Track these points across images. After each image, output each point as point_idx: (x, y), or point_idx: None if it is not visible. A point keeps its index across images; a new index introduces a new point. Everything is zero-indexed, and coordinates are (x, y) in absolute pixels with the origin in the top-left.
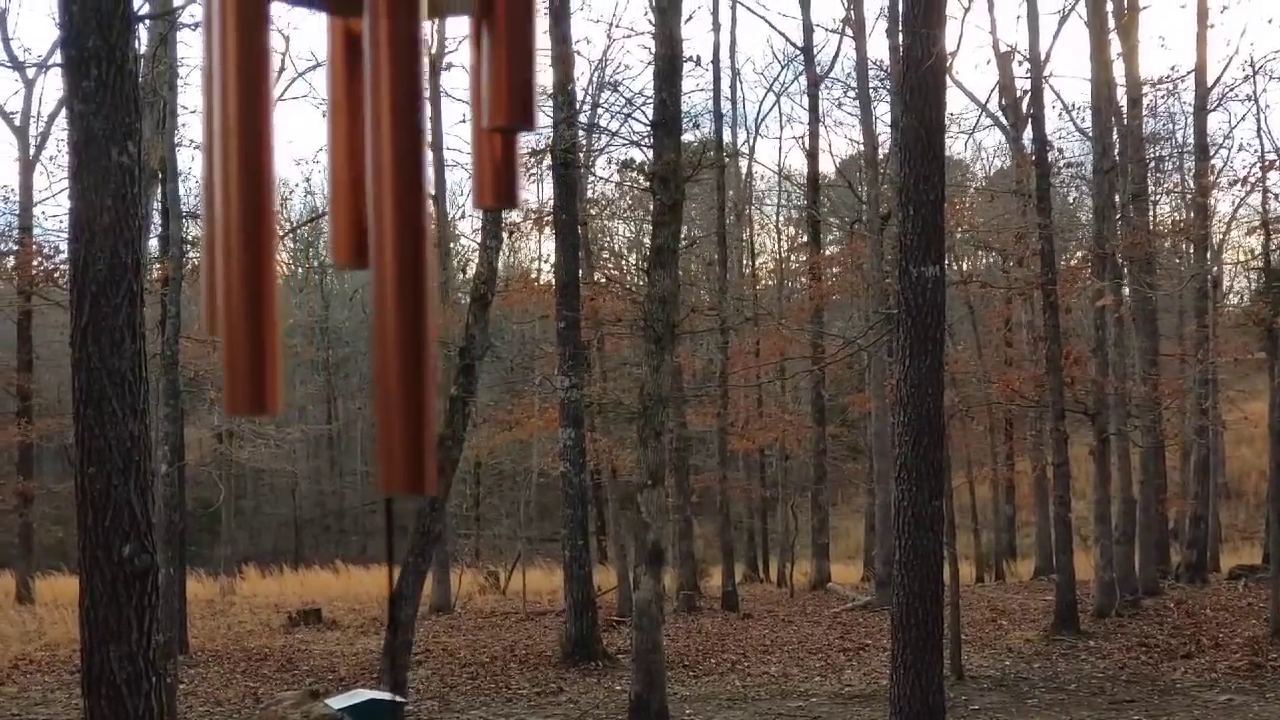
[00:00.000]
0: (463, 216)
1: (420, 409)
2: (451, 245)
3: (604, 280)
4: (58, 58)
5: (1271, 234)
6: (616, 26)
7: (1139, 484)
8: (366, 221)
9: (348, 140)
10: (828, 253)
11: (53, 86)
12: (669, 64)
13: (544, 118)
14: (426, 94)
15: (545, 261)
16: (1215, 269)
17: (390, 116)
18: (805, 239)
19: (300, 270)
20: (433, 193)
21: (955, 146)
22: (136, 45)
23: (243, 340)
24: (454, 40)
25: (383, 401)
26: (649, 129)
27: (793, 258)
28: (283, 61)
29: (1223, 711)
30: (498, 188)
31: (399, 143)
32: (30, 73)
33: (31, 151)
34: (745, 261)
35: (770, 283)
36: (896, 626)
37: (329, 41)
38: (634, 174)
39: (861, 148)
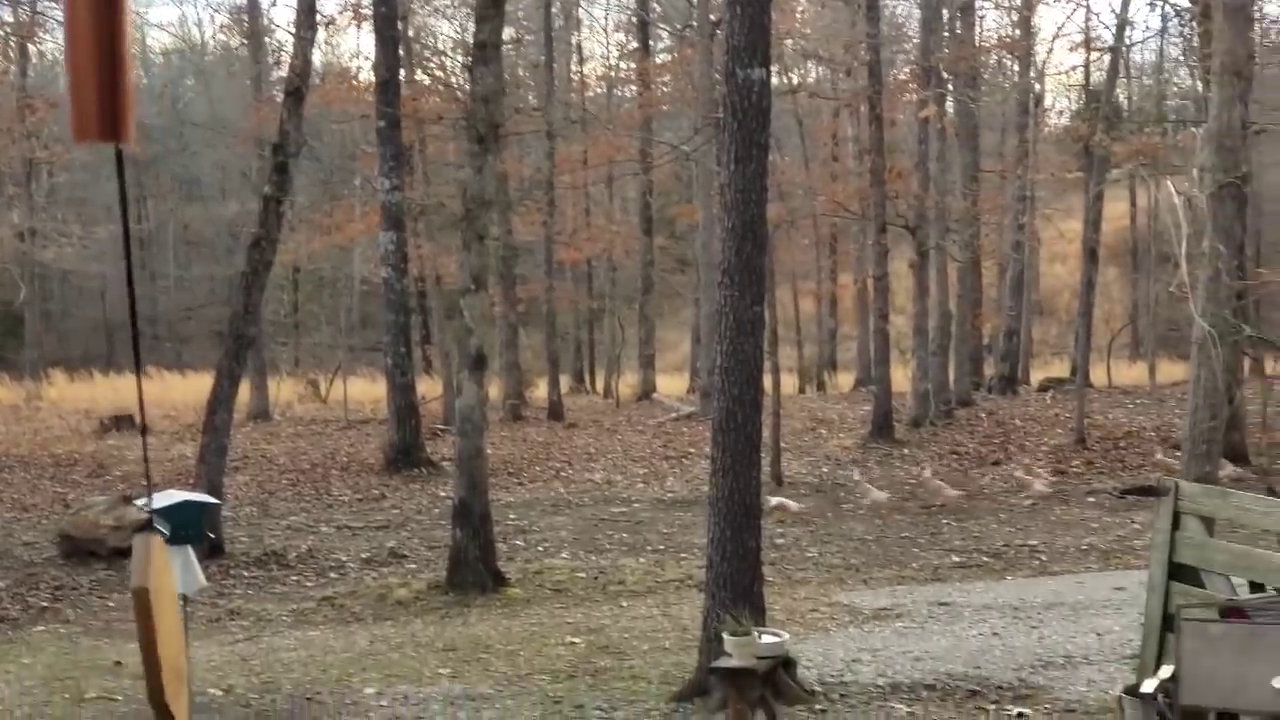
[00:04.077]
0: (275, 4)
1: (114, 51)
2: (265, 39)
3: (426, 79)
4: None
5: (1092, 53)
6: None
7: (956, 298)
8: None
9: None
10: (659, 60)
11: None
12: None
13: None
14: None
15: (365, 59)
16: (1038, 86)
17: None
18: (635, 45)
19: None
20: None
21: None
22: None
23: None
24: None
25: (73, 44)
26: None
27: (622, 65)
28: None
29: (1027, 514)
30: None
31: None
32: None
33: None
34: (574, 67)
35: (599, 90)
36: (716, 431)
37: None
38: None
39: None
